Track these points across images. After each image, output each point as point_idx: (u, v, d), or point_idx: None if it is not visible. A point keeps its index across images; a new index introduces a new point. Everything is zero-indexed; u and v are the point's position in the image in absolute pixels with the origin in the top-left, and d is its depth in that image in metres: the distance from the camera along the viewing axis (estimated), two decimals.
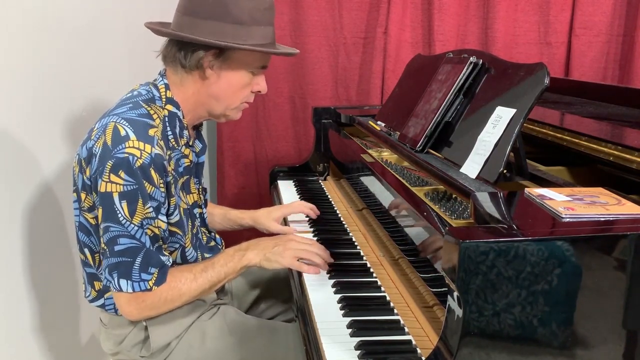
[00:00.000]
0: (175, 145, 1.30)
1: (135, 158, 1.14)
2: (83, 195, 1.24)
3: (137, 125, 1.19)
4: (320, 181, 2.12)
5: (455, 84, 1.42)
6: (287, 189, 2.04)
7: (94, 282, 1.33)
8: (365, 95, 2.64)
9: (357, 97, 2.68)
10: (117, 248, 1.17)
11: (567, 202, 0.94)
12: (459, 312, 0.84)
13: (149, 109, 1.25)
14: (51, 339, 1.61)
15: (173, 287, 1.24)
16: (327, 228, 1.61)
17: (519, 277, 0.83)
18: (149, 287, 1.20)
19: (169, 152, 1.26)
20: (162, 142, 1.23)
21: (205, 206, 1.51)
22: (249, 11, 1.25)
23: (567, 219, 0.88)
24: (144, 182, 1.16)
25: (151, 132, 1.20)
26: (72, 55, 1.67)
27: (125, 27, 1.97)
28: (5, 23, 1.38)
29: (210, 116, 1.37)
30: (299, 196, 1.95)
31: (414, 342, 1.04)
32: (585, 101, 1.79)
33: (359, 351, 1.00)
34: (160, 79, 1.31)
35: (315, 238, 1.52)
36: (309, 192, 1.97)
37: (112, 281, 1.19)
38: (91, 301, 1.35)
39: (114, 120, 1.19)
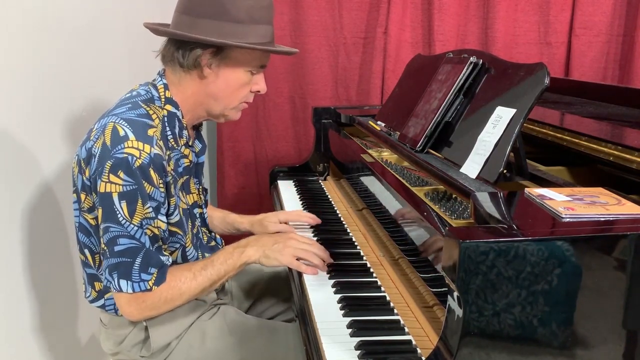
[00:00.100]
0: (175, 145, 1.30)
1: (135, 158, 1.14)
2: (83, 196, 1.24)
3: (136, 126, 1.19)
4: (320, 181, 2.12)
5: (455, 84, 1.42)
6: (287, 189, 2.04)
7: (94, 283, 1.33)
8: (365, 95, 2.64)
9: (357, 97, 2.68)
10: (117, 248, 1.17)
11: (567, 202, 0.94)
12: (459, 312, 0.84)
13: (148, 109, 1.25)
14: (51, 339, 1.61)
15: (173, 286, 1.24)
16: (327, 228, 1.61)
17: (519, 277, 0.83)
18: (148, 287, 1.20)
19: (168, 152, 1.26)
20: (161, 142, 1.23)
21: (206, 206, 1.50)
22: (247, 10, 1.25)
23: (567, 219, 0.88)
24: (143, 182, 1.16)
25: (150, 132, 1.20)
26: (72, 55, 1.67)
27: (125, 27, 1.97)
28: (5, 23, 1.38)
29: (210, 116, 1.37)
30: (299, 196, 1.95)
31: (414, 342, 1.04)
32: (585, 101, 1.79)
33: (359, 351, 1.00)
34: (159, 79, 1.31)
35: (315, 238, 1.52)
36: (309, 192, 1.97)
37: (113, 282, 1.19)
38: (91, 302, 1.35)
39: (113, 120, 1.19)
